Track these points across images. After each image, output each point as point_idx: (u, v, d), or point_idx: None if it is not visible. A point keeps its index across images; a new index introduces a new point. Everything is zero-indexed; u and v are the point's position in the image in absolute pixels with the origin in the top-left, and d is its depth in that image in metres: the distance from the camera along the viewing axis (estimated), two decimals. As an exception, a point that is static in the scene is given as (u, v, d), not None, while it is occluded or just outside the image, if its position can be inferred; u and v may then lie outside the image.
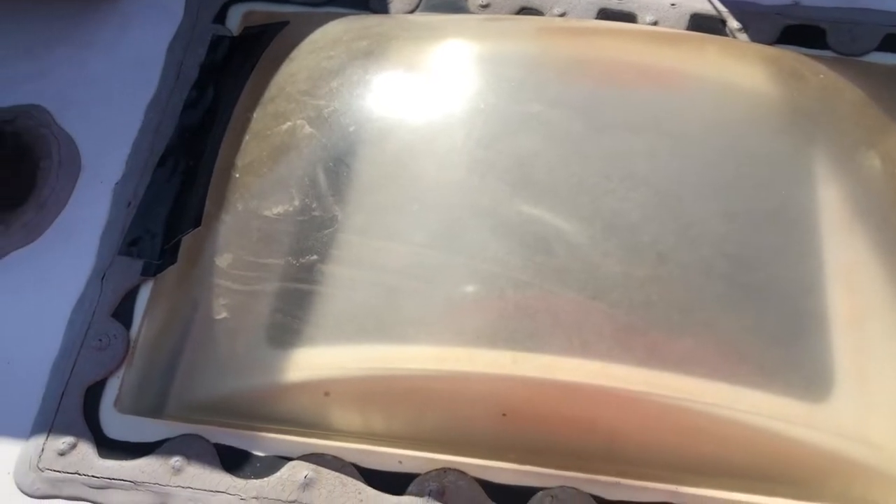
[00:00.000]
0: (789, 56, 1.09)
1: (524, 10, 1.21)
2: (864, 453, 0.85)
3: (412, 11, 1.22)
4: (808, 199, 0.96)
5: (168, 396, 0.94)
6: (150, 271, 0.99)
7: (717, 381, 0.87)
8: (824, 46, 1.16)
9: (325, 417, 0.89)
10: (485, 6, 1.21)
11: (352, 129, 0.98)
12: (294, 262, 0.92)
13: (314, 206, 0.93)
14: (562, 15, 1.20)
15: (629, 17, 1.20)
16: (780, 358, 0.89)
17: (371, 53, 1.05)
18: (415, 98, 1.03)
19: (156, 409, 0.93)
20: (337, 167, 0.96)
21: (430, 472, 0.87)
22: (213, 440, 0.90)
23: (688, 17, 1.19)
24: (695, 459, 0.87)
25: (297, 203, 0.94)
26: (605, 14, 1.20)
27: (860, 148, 1.00)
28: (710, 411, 0.86)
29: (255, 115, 1.04)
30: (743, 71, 1.07)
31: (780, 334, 0.90)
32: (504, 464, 0.86)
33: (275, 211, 0.94)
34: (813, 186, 0.97)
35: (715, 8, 1.19)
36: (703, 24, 1.19)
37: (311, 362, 0.89)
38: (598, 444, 0.87)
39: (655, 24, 1.18)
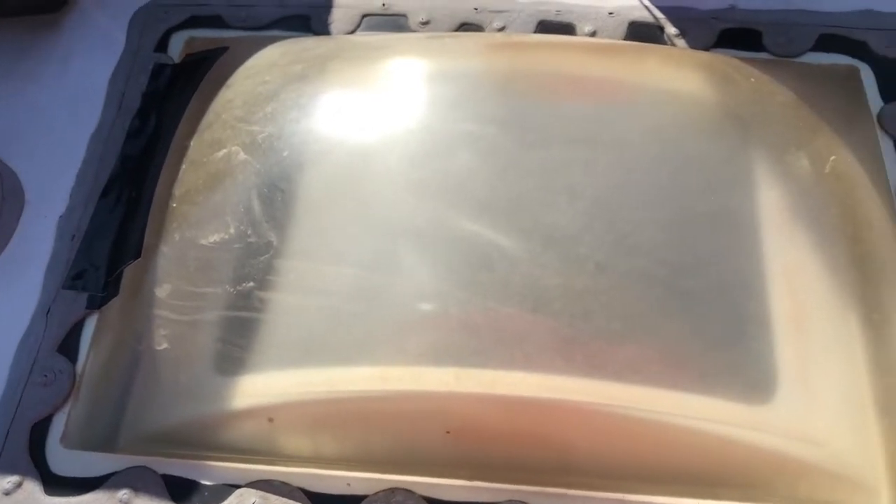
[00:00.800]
0: (722, 60, 1.10)
1: (464, 26, 1.22)
2: (809, 452, 0.86)
3: (353, 32, 1.22)
4: (743, 202, 0.97)
5: (116, 429, 0.93)
6: (95, 304, 0.99)
7: (660, 388, 0.87)
8: (761, 48, 1.17)
9: (271, 443, 0.89)
10: (425, 23, 1.22)
11: (285, 153, 0.99)
12: (231, 290, 0.92)
13: (249, 232, 0.94)
14: (501, 29, 1.21)
15: (568, 28, 1.21)
16: (722, 362, 0.90)
17: (306, 77, 1.05)
18: (349, 119, 1.03)
19: (104, 443, 0.93)
20: (271, 193, 0.96)
21: (379, 493, 0.87)
22: (161, 471, 0.89)
23: (626, 25, 1.20)
24: (642, 467, 0.87)
25: (232, 231, 0.94)
26: (544, 26, 1.21)
27: (791, 149, 1.01)
28: (654, 418, 0.86)
29: (192, 143, 1.04)
30: (677, 78, 1.08)
31: (722, 338, 0.91)
32: (452, 481, 0.87)
33: (211, 239, 0.94)
34: (748, 190, 0.98)
35: (652, 15, 1.21)
36: (641, 31, 1.20)
37: (254, 389, 0.89)
38: (545, 456, 0.88)
39: (594, 33, 1.19)
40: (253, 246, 0.93)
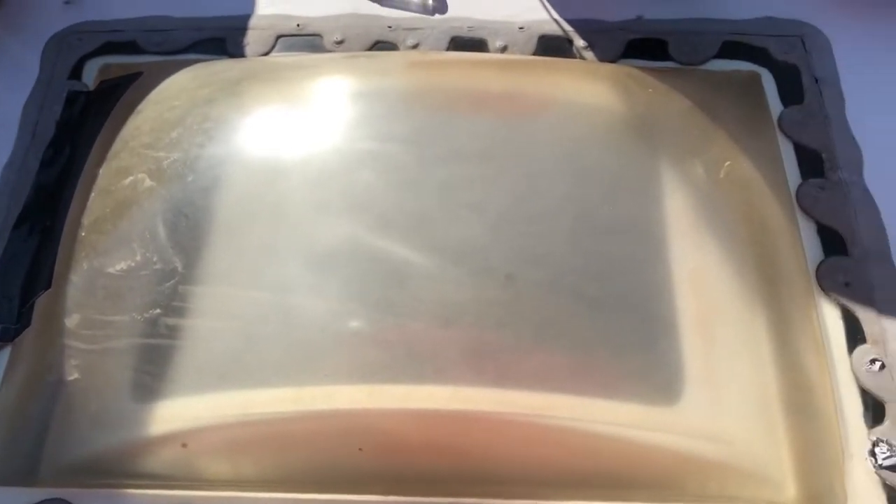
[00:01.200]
0: (625, 72, 1.13)
1: (379, 45, 1.24)
2: (717, 450, 0.89)
3: (268, 53, 1.23)
4: (647, 210, 1.00)
5: (34, 462, 0.93)
6: (8, 336, 0.98)
7: (570, 395, 0.89)
8: (667, 57, 1.20)
9: (187, 469, 0.89)
10: (339, 42, 1.23)
11: (190, 178, 0.99)
12: (139, 318, 0.92)
13: (155, 259, 0.94)
14: (415, 46, 1.22)
15: (480, 44, 1.23)
16: (630, 366, 0.92)
17: (213, 100, 1.06)
18: (256, 142, 1.04)
19: (22, 477, 0.92)
20: (176, 218, 0.97)
21: (297, 512, 0.87)
22: (77, 502, 0.89)
23: (536, 39, 1.23)
24: (555, 473, 0.89)
25: (138, 258, 0.94)
26: (456, 42, 1.23)
27: (694, 155, 1.04)
28: (565, 425, 0.88)
29: (101, 171, 1.04)
30: (583, 90, 1.11)
31: (630, 343, 0.93)
32: (367, 497, 0.87)
33: (118, 267, 0.94)
34: (652, 197, 1.01)
35: (562, 29, 1.23)
36: (550, 45, 1.22)
37: (168, 415, 0.89)
38: (459, 467, 0.89)
39: (505, 48, 1.21)
40: (159, 272, 0.94)
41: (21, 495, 0.90)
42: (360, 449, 0.87)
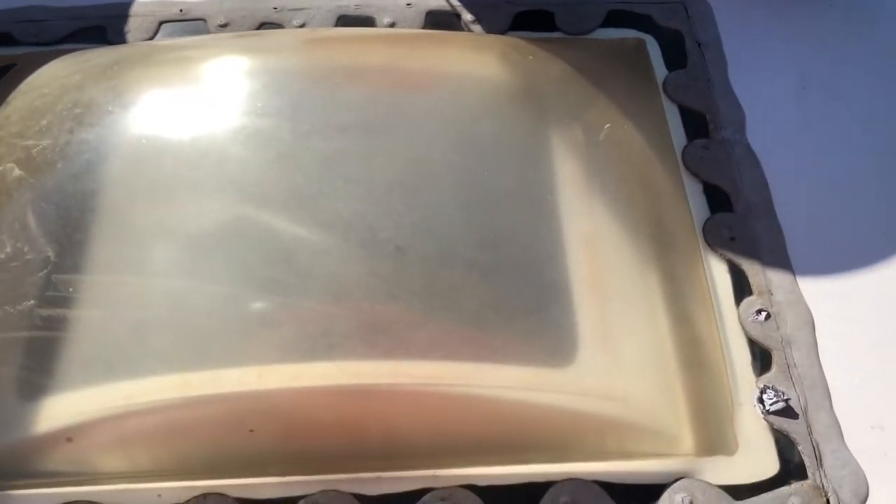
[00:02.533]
0: (514, 43, 1.13)
1: (265, 27, 1.22)
2: (613, 408, 0.89)
3: (150, 39, 1.20)
4: (536, 177, 1.00)
5: None
6: None
7: (463, 363, 0.89)
8: (554, 28, 1.21)
9: (75, 464, 0.86)
10: (224, 26, 1.21)
11: (59, 165, 0.96)
12: (12, 311, 0.88)
13: (26, 249, 0.90)
14: (301, 26, 1.21)
15: (368, 21, 1.22)
16: (524, 330, 0.92)
17: (83, 86, 1.02)
18: (127, 125, 1.01)
19: None
20: (47, 207, 0.93)
21: (190, 500, 0.85)
22: (-44, 509, 0.85)
23: (424, 15, 1.22)
24: (452, 441, 0.89)
25: (8, 249, 0.90)
26: (344, 21, 1.22)
27: (581, 121, 1.05)
28: (459, 392, 0.88)
29: (-30, 164, 1.00)
30: (469, 62, 1.11)
31: (523, 308, 0.93)
32: (263, 479, 0.86)
33: (-12, 260, 0.90)
34: (540, 165, 1.01)
35: (449, 3, 1.23)
36: (438, 20, 1.22)
37: (52, 411, 0.86)
38: (355, 442, 0.88)
39: (393, 25, 1.21)
40: (31, 263, 0.90)
41: None
42: (250, 430, 0.85)
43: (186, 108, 1.02)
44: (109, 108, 1.01)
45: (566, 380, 0.91)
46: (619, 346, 0.93)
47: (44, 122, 0.98)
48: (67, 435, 0.86)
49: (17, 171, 0.95)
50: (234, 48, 1.12)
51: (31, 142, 0.97)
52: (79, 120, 0.99)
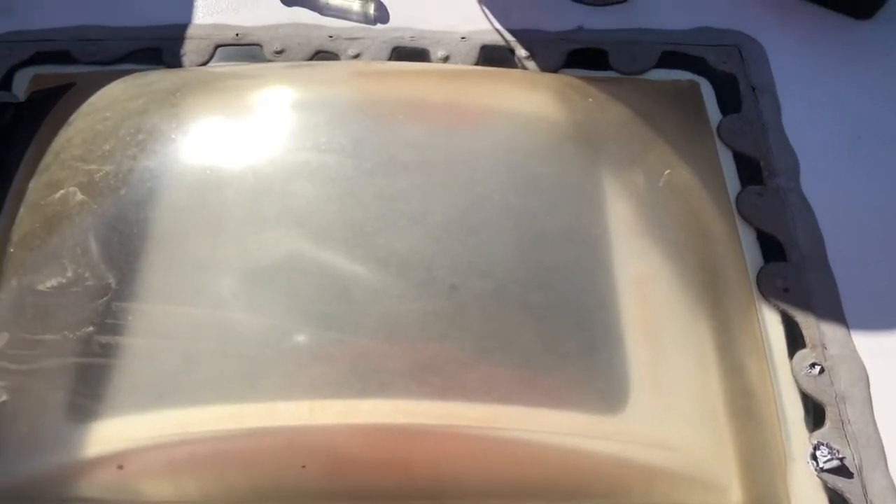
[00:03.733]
0: (566, 81, 1.14)
1: (320, 55, 1.22)
2: (662, 457, 0.89)
3: (206, 63, 1.21)
4: (590, 217, 1.00)
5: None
6: (-66, 358, 0.94)
7: (514, 406, 0.89)
8: (608, 67, 1.21)
9: (124, 491, 0.87)
10: (279, 52, 1.21)
11: (123, 192, 0.96)
12: (71, 336, 0.88)
13: (87, 275, 0.91)
14: (356, 56, 1.21)
15: (422, 54, 1.22)
16: (575, 374, 0.92)
17: (146, 111, 1.03)
18: (189, 154, 1.02)
19: (-53, 505, 0.87)
20: (109, 233, 0.94)
21: (238, 532, 0.85)
22: (6, 530, 0.85)
23: (478, 48, 1.23)
24: (502, 485, 0.88)
25: (70, 274, 0.91)
26: (399, 52, 1.22)
27: (635, 163, 1.05)
28: (509, 436, 0.87)
29: (31, 184, 1.00)
30: (524, 100, 1.11)
31: (575, 352, 0.93)
32: (313, 514, 0.85)
33: (48, 284, 0.91)
34: (594, 205, 1.01)
35: (503, 38, 1.24)
36: (492, 54, 1.23)
37: (103, 436, 0.86)
38: (404, 481, 0.88)
39: (447, 58, 1.21)
40: (91, 289, 0.90)
41: (-54, 524, 0.86)
42: (303, 466, 0.85)
43: (249, 140, 1.03)
44: (173, 136, 1.02)
45: (616, 427, 0.90)
46: (670, 393, 0.93)
47: (107, 147, 0.99)
48: (119, 461, 0.86)
49: (79, 196, 0.96)
50: (294, 79, 1.12)
51: (93, 166, 0.98)
52: (142, 147, 1.00)
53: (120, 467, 0.86)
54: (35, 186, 1.00)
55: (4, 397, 0.88)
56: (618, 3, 1.29)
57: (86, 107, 1.07)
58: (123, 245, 0.93)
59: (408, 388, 0.88)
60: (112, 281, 0.90)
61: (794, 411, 0.93)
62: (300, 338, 0.89)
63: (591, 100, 1.09)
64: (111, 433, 0.87)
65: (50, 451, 0.87)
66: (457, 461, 0.89)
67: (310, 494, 0.87)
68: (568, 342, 0.93)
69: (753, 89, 1.18)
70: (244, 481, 0.88)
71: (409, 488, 0.89)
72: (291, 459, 0.86)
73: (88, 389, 0.88)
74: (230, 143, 1.02)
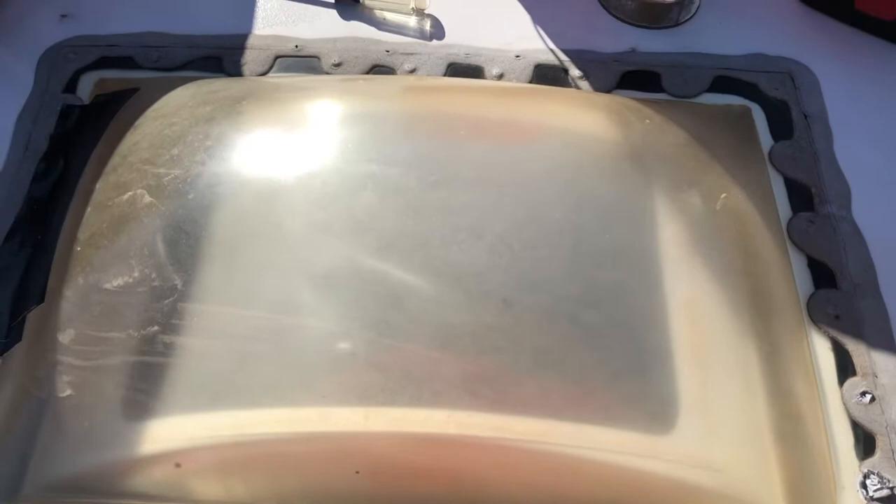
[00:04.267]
0: (621, 102, 1.15)
1: (376, 68, 1.25)
2: (709, 478, 0.89)
3: (265, 73, 1.23)
4: (642, 238, 1.01)
5: (22, 479, 0.90)
6: (-2, 350, 0.97)
7: (565, 421, 0.90)
8: (660, 90, 1.23)
9: (179, 489, 0.88)
10: (337, 65, 1.24)
11: (191, 196, 0.99)
12: (136, 335, 0.91)
13: (153, 276, 0.93)
14: (412, 71, 1.23)
15: (477, 71, 1.24)
16: (625, 393, 0.93)
17: (213, 118, 1.06)
18: (256, 161, 1.04)
19: (8, 494, 0.90)
20: (176, 235, 0.96)
21: (290, 535, 0.86)
22: (64, 521, 0.87)
23: (532, 67, 1.24)
24: (549, 499, 0.89)
25: (136, 274, 0.93)
26: (454, 69, 1.24)
27: (687, 186, 1.06)
28: (560, 451, 0.88)
29: (98, 185, 1.03)
30: (578, 119, 1.12)
31: (625, 370, 0.94)
32: (364, 521, 0.87)
33: (115, 283, 0.93)
34: (646, 226, 1.02)
35: (557, 58, 1.25)
36: (546, 74, 1.24)
37: (160, 434, 0.88)
38: (454, 492, 0.89)
39: (501, 76, 1.23)
40: (157, 289, 0.93)
41: (7, 514, 0.88)
42: (356, 472, 0.86)
43: (313, 149, 1.05)
44: (239, 144, 1.05)
45: (664, 446, 0.91)
46: (719, 415, 0.93)
47: (175, 152, 1.02)
48: (176, 460, 0.88)
49: (147, 198, 0.98)
50: (355, 92, 1.15)
51: (161, 170, 1.00)
52: (210, 153, 1.02)
53: (177, 465, 0.88)
54: (102, 187, 1.03)
55: (68, 391, 0.90)
56: (671, 26, 1.30)
57: (152, 111, 1.10)
58: (190, 248, 0.95)
59: (460, 399, 0.89)
60: (178, 282, 0.93)
61: (844, 439, 0.93)
62: (355, 344, 0.91)
63: (648, 121, 1.10)
64: (170, 431, 0.89)
65: (110, 446, 0.89)
66: (507, 474, 0.90)
67: (361, 501, 0.89)
68: (618, 361, 0.94)
69: (805, 116, 1.19)
70: (296, 485, 0.89)
71: (458, 499, 0.90)
72: (345, 465, 0.87)
73: (149, 387, 0.90)
74: (295, 152, 1.05)
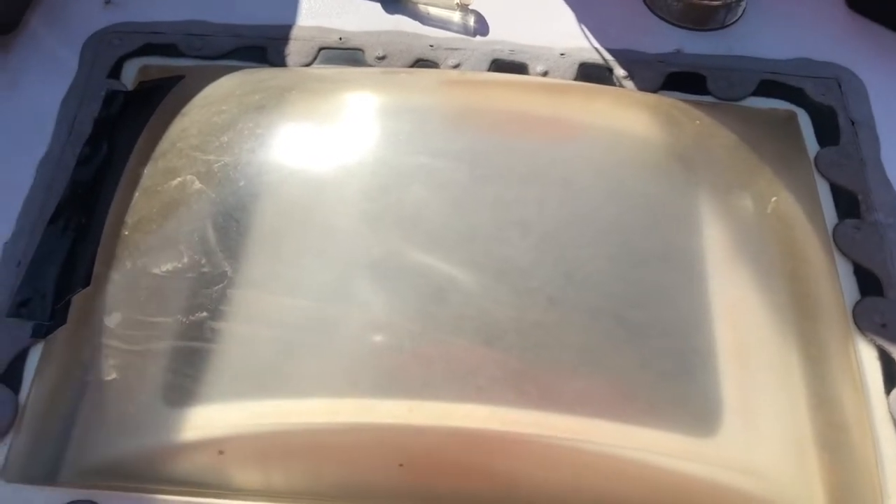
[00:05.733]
0: (669, 103, 1.14)
1: (420, 62, 1.24)
2: (751, 484, 0.88)
3: (309, 64, 1.23)
4: (688, 240, 1.00)
5: (61, 462, 0.91)
6: (41, 333, 0.97)
7: (608, 421, 0.89)
8: (705, 92, 1.22)
9: (221, 476, 0.88)
10: (381, 58, 1.24)
11: (241, 183, 0.99)
12: (184, 320, 0.91)
13: (203, 262, 0.93)
14: (456, 66, 1.23)
15: (521, 67, 1.24)
16: (669, 394, 0.92)
17: (263, 107, 1.06)
18: (306, 151, 1.04)
19: (48, 476, 0.90)
20: (226, 222, 0.96)
21: (334, 525, 0.86)
22: (107, 504, 0.87)
23: (576, 66, 1.24)
24: (591, 499, 0.89)
25: (185, 260, 0.93)
26: (498, 65, 1.24)
27: (733, 189, 1.05)
28: (602, 451, 0.88)
29: (145, 170, 1.03)
30: (624, 118, 1.12)
31: (669, 372, 0.93)
32: (409, 513, 0.86)
33: (163, 268, 0.94)
34: (692, 227, 1.01)
35: (602, 57, 1.25)
36: (591, 72, 1.24)
37: (204, 421, 0.88)
38: (497, 488, 0.89)
39: (546, 73, 1.22)
40: (206, 276, 0.93)
41: (49, 494, 0.89)
42: (400, 465, 0.86)
43: (362, 141, 1.05)
44: (288, 133, 1.05)
45: (706, 449, 0.90)
46: (761, 420, 0.92)
47: (224, 139, 1.02)
48: (220, 447, 0.88)
49: (197, 184, 0.98)
50: (400, 85, 1.15)
51: (211, 157, 1.00)
52: (260, 141, 1.02)
53: (221, 452, 0.88)
54: (151, 173, 1.03)
55: (113, 375, 0.90)
56: (717, 28, 1.29)
57: (200, 98, 1.10)
58: (239, 235, 0.96)
59: (504, 395, 0.89)
60: (227, 269, 0.93)
61: (891, 448, 0.92)
62: (400, 337, 0.91)
63: (697, 122, 1.09)
64: (212, 418, 0.89)
65: (152, 431, 0.89)
66: (548, 472, 0.89)
67: (402, 494, 0.89)
68: (661, 362, 0.93)
69: (852, 123, 1.17)
70: (338, 476, 0.89)
71: (498, 495, 0.90)
72: (389, 457, 0.87)
73: (193, 373, 0.90)
74: (343, 143, 1.05)
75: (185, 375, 0.90)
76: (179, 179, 1.00)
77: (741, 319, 0.97)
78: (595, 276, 0.96)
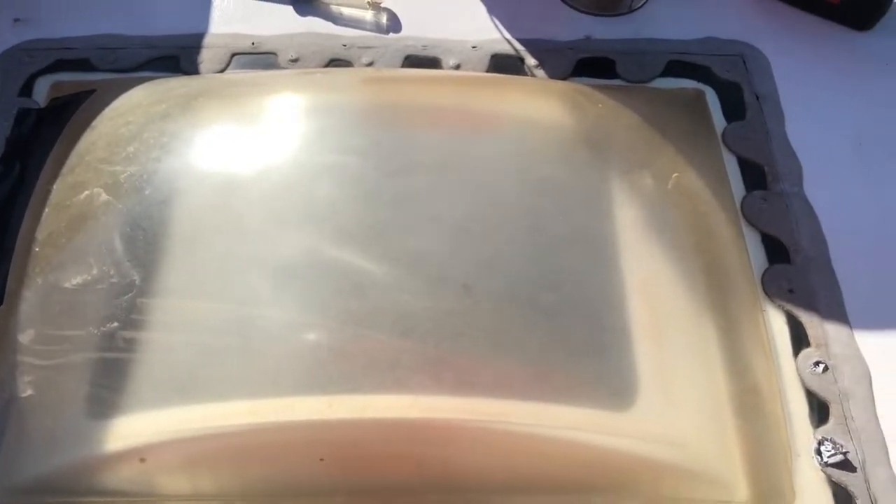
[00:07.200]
0: (576, 89, 1.17)
1: (334, 62, 1.25)
2: (670, 453, 0.91)
3: (222, 71, 1.24)
4: (598, 221, 1.02)
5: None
6: (-43, 354, 0.96)
7: (527, 401, 0.91)
8: (615, 76, 1.24)
9: (146, 484, 0.89)
10: (294, 60, 1.24)
11: (147, 192, 0.99)
12: (97, 332, 0.91)
13: (112, 272, 0.93)
14: (370, 64, 1.24)
15: (434, 62, 1.25)
16: (585, 372, 0.94)
17: (169, 115, 1.06)
18: (213, 156, 1.05)
19: (-29, 498, 0.89)
20: (134, 231, 0.96)
21: (257, 525, 0.87)
22: (31, 522, 0.87)
23: (488, 58, 1.26)
24: (515, 479, 0.91)
25: (95, 272, 0.93)
26: (411, 61, 1.25)
27: (642, 168, 1.08)
28: (522, 430, 0.89)
29: (55, 186, 1.03)
30: (534, 106, 1.14)
31: (585, 350, 0.95)
32: (331, 508, 0.87)
33: (74, 282, 0.94)
34: (602, 209, 1.04)
35: (513, 48, 1.27)
36: (502, 63, 1.26)
37: (126, 430, 0.88)
38: (420, 476, 0.90)
39: (458, 66, 1.24)
40: (116, 286, 0.93)
41: (-29, 518, 0.88)
42: (321, 459, 0.87)
43: (269, 143, 1.06)
44: (195, 139, 1.05)
45: (624, 423, 0.92)
46: (677, 391, 0.95)
47: (130, 150, 1.02)
48: (141, 455, 0.88)
49: (104, 196, 0.98)
50: (311, 86, 1.15)
51: (118, 168, 1.01)
52: (166, 149, 1.03)
53: (142, 460, 0.88)
54: (60, 188, 1.03)
55: (30, 392, 0.90)
56: (625, 13, 1.32)
57: (109, 111, 1.10)
58: (148, 243, 0.96)
59: (423, 384, 0.90)
60: (136, 278, 0.93)
61: (799, 408, 0.95)
62: (318, 334, 0.92)
63: (600, 106, 1.12)
64: (134, 427, 0.89)
65: (74, 444, 0.89)
66: (470, 455, 0.91)
67: (327, 488, 0.90)
68: (577, 341, 0.96)
69: (757, 97, 1.21)
70: (262, 475, 0.90)
71: (424, 482, 0.91)
72: (310, 453, 0.88)
73: (112, 384, 0.90)
74: (251, 146, 1.05)
75: (104, 387, 0.90)
76: (87, 192, 1.00)
77: (653, 295, 0.99)
78: (508, 263, 0.98)
